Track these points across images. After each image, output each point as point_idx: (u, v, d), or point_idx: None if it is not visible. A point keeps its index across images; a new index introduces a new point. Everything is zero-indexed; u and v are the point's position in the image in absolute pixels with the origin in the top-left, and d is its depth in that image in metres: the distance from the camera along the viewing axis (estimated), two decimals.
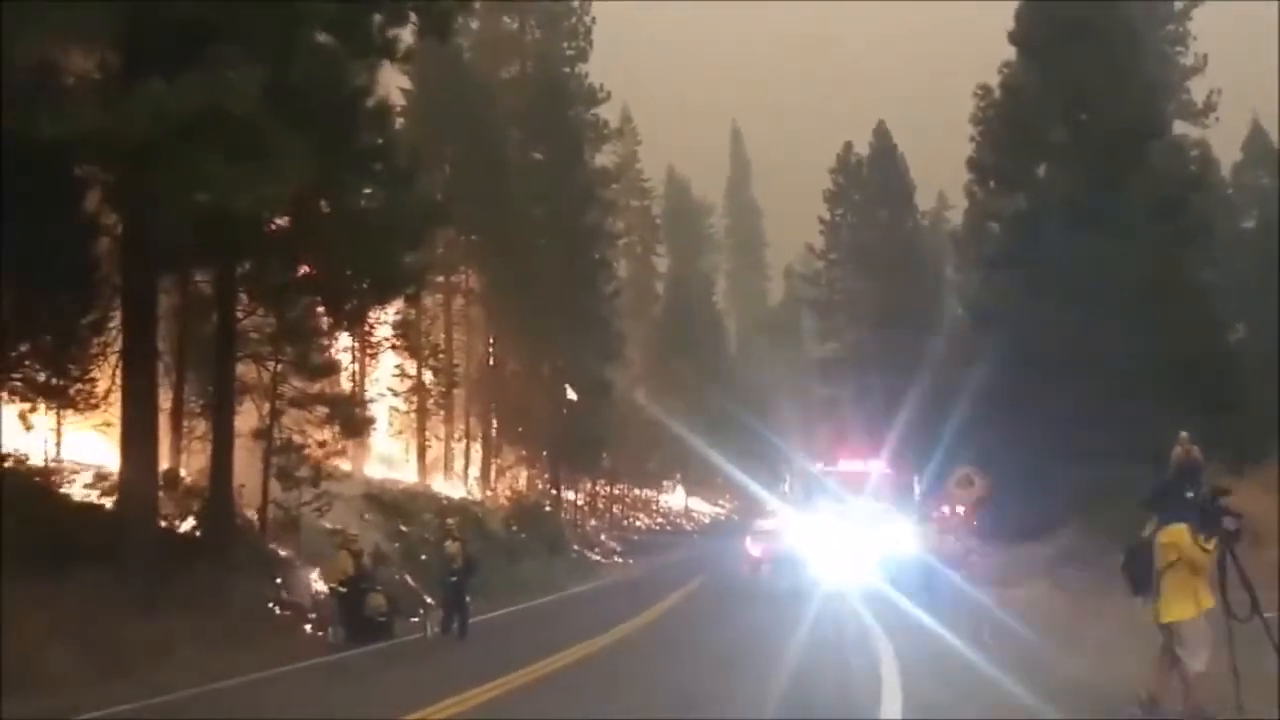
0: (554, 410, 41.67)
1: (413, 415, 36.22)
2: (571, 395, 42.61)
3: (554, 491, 43.92)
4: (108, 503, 16.98)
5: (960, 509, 23.82)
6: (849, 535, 26.33)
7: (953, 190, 53.65)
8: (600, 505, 52.68)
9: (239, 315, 18.61)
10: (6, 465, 15.91)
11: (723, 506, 70.54)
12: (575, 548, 39.99)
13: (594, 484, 51.70)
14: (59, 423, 19.26)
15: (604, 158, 56.82)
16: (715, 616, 20.78)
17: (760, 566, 28.32)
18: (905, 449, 34.30)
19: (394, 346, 24.14)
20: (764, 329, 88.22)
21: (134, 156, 10.29)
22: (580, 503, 49.03)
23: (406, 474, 34.78)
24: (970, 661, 13.23)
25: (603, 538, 46.31)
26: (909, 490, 29.16)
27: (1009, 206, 30.65)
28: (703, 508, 70.54)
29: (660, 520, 61.88)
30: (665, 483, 66.57)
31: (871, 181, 54.78)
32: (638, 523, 56.95)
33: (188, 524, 18.28)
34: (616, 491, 56.05)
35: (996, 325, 28.41)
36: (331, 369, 21.89)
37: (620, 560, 42.69)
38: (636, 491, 61.43)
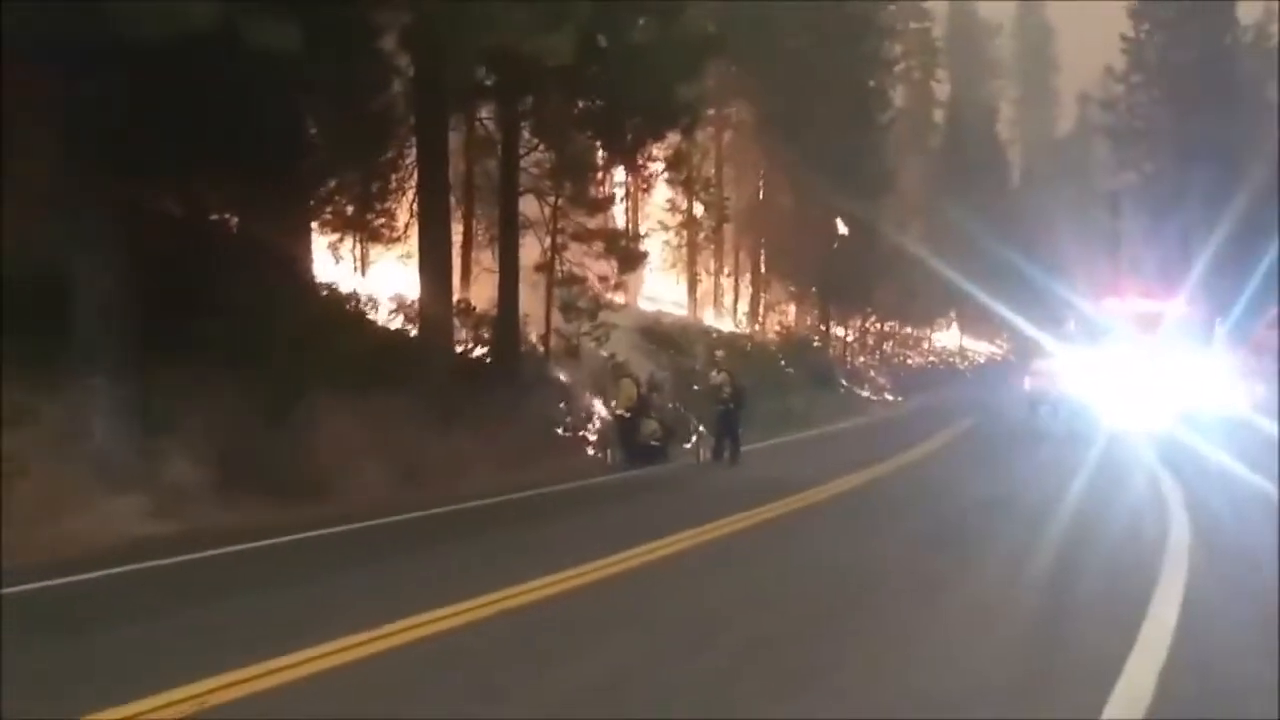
0: (824, 245, 41.10)
1: (684, 250, 36.74)
2: (842, 230, 41.83)
3: (823, 327, 43.80)
4: (408, 329, 18.34)
5: (1269, 354, 22.12)
6: (1137, 377, 25.06)
7: None
8: (870, 342, 52.13)
9: (521, 152, 19.28)
10: (322, 294, 17.43)
11: (999, 346, 68.24)
12: (844, 383, 39.98)
13: (864, 320, 51.09)
14: (364, 254, 20.88)
15: None
16: (988, 456, 20.43)
17: (1038, 408, 27.47)
18: (1205, 289, 31.95)
19: (668, 180, 24.33)
20: (1051, 160, 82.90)
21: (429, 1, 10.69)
22: (850, 339, 48.69)
23: (677, 307, 35.55)
24: (1269, 508, 12.49)
25: (872, 374, 45.98)
26: (1208, 332, 27.26)
27: None
28: (977, 346, 68.53)
29: (932, 358, 60.65)
30: (938, 320, 64.89)
31: None
32: (908, 360, 56.05)
33: (479, 350, 19.52)
34: (887, 328, 55.20)
35: None
36: (608, 203, 22.44)
37: (890, 397, 42.39)
38: (908, 329, 60.27)
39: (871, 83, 45.15)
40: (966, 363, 63.76)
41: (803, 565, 9.21)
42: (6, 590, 7.35)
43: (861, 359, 48.09)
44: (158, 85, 11.17)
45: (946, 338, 66.54)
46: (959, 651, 6.33)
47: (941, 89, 71.85)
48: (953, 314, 64.26)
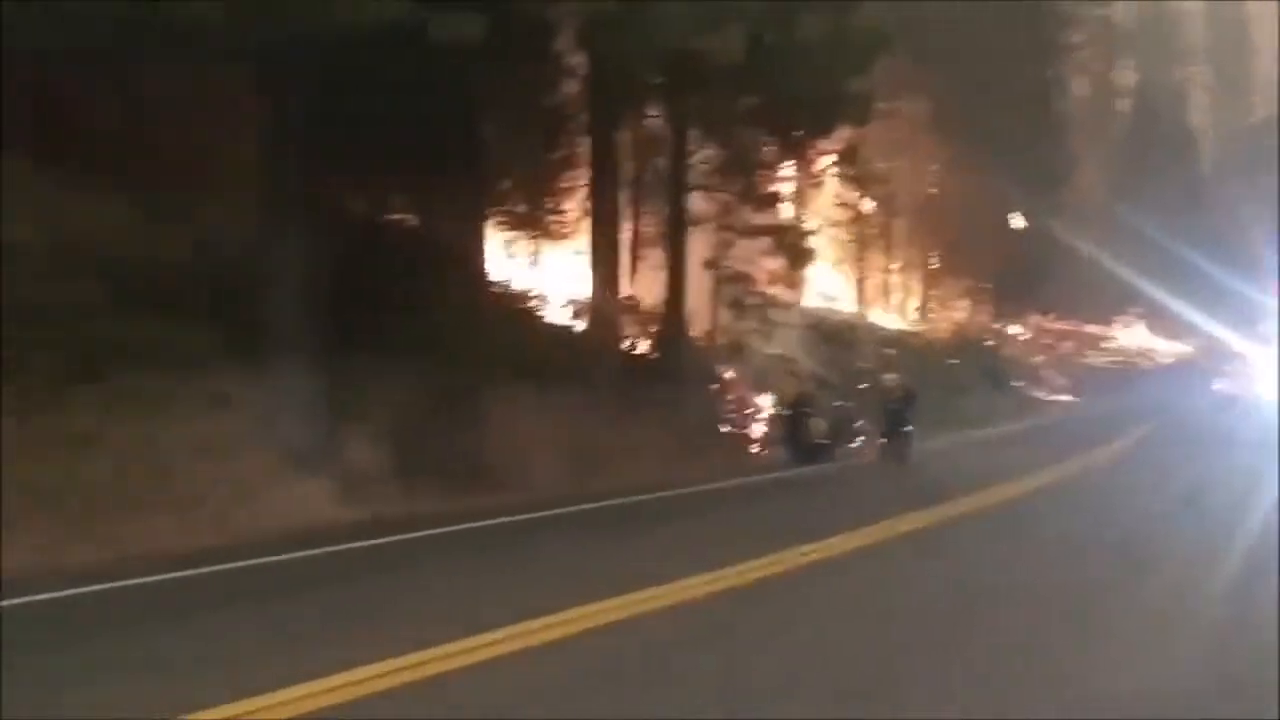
0: (998, 240, 39.87)
1: (852, 245, 36.21)
2: (1017, 224, 40.49)
3: (996, 325, 42.51)
4: (578, 324, 18.66)
5: None
6: None
7: None
8: (1046, 340, 50.28)
9: (690, 149, 19.34)
10: (494, 291, 17.91)
11: (1186, 346, 64.81)
12: (1018, 383, 38.74)
13: (1040, 318, 49.35)
14: (536, 251, 21.36)
15: None
16: (1174, 463, 19.41)
17: (1228, 412, 26.03)
18: None
19: (841, 174, 23.97)
20: (1245, 149, 78.20)
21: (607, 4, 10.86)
22: (1025, 337, 47.09)
23: (845, 304, 35.08)
24: None
25: (1048, 374, 44.37)
26: None
27: None
28: (1162, 346, 65.23)
29: (1113, 358, 58.05)
30: (1119, 319, 62.06)
31: None
32: (1086, 360, 53.84)
33: (645, 345, 19.70)
34: (1064, 326, 53.13)
35: None
36: (775, 199, 22.29)
37: (1067, 399, 40.87)
38: (1087, 327, 57.86)
39: (1050, 72, 43.53)
40: (1150, 363, 60.79)
41: (968, 575, 8.85)
42: (207, 569, 7.87)
43: (1037, 358, 46.41)
44: (345, 85, 11.71)
45: (1128, 337, 63.59)
46: (1141, 663, 6.08)
47: (1126, 76, 68.69)
48: (1135, 312, 61.37)
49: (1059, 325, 52.15)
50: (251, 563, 8.24)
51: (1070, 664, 6.00)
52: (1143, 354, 62.21)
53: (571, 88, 17.36)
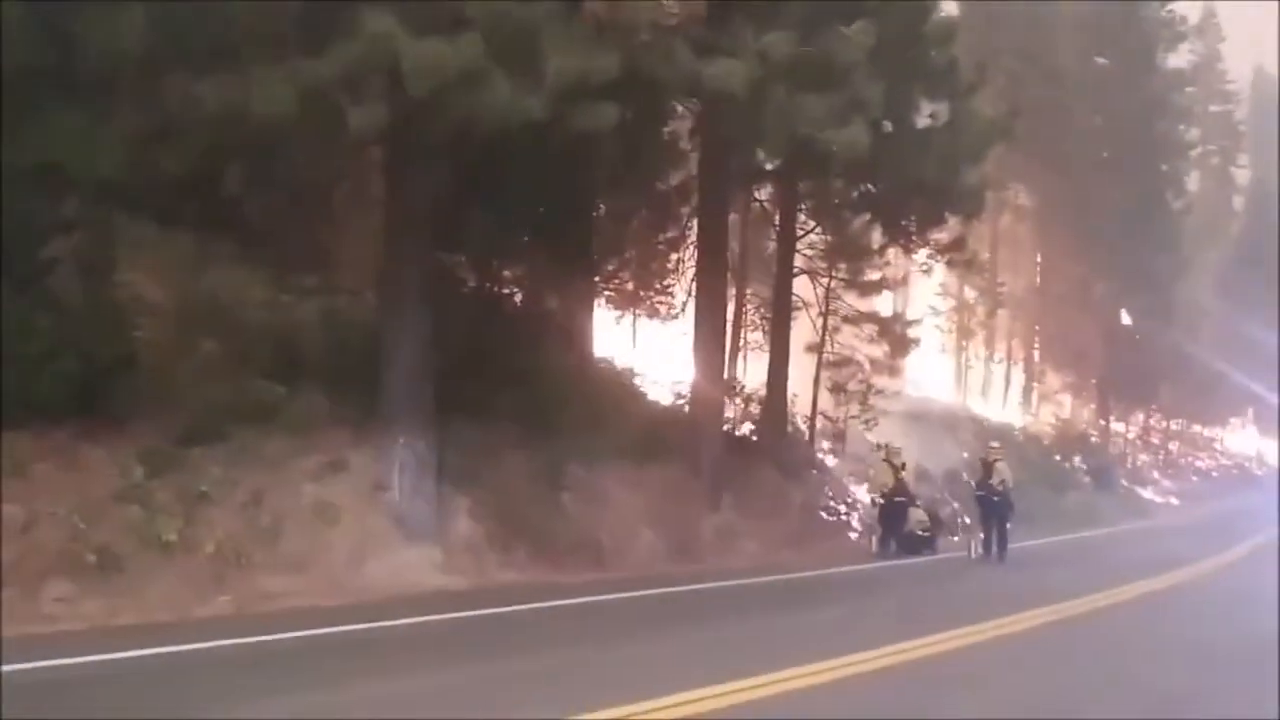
0: (1104, 335, 39.02)
1: (954, 335, 35.80)
2: (1126, 320, 39.60)
3: (1102, 421, 41.43)
4: (680, 404, 18.66)
5: None
6: None
7: None
8: (1154, 440, 48.78)
9: (797, 233, 19.40)
10: (600, 367, 18.08)
11: None
12: (1123, 483, 37.61)
13: (1147, 417, 47.94)
14: (634, 330, 21.54)
15: (1179, 58, 50.78)
16: None
17: None
18: None
19: (949, 261, 23.70)
20: None
21: (731, 96, 11.05)
22: (1131, 436, 45.77)
23: (945, 393, 34.58)
24: None
25: (1155, 475, 43.00)
26: None
27: None
28: (1276, 450, 62.82)
29: (1224, 462, 56.05)
30: (1231, 420, 60.00)
31: None
32: (1196, 462, 52.07)
33: (745, 428, 19.62)
34: (1173, 426, 51.51)
35: None
36: (880, 286, 22.19)
37: (1175, 502, 39.51)
38: (1196, 428, 56.04)
39: (1165, 167, 42.83)
40: (1264, 468, 58.49)
41: (1064, 687, 8.16)
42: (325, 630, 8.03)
43: (1144, 458, 45.03)
44: (469, 168, 12.08)
45: (1240, 441, 61.39)
46: None
47: (1243, 174, 67.30)
48: (1249, 414, 59.32)
49: (1167, 425, 50.59)
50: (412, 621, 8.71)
51: None
52: (1256, 459, 59.98)
53: (684, 170, 17.58)
